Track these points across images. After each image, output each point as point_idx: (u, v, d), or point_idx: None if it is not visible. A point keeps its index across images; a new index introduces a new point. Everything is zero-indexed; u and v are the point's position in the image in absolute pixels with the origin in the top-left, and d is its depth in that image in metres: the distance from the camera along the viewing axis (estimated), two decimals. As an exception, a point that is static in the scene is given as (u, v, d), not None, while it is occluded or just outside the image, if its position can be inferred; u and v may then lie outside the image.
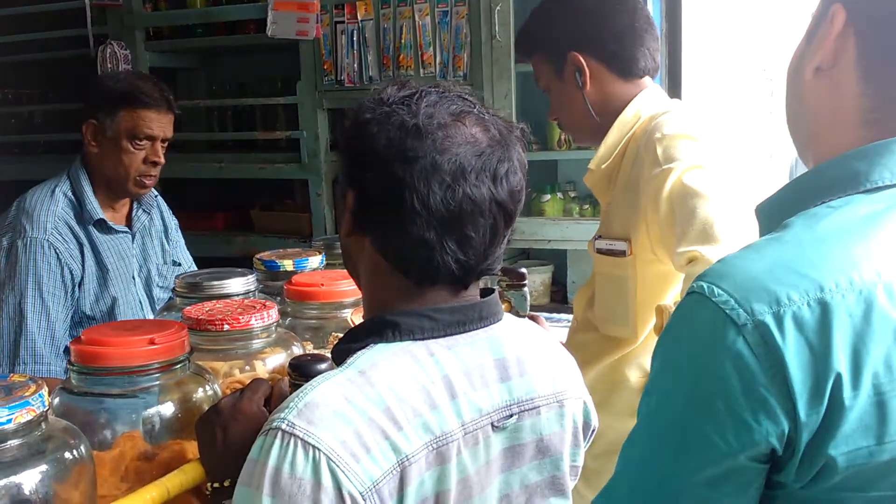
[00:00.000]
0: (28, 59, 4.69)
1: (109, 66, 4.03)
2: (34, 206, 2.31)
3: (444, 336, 1.14)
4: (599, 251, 1.93)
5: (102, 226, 2.39)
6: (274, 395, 1.26)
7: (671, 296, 1.86)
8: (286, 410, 1.03)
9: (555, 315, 3.22)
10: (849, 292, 0.82)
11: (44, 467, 1.14)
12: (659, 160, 1.75)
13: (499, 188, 1.12)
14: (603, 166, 1.93)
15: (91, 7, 4.10)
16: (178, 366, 1.39)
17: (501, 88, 3.42)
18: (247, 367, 1.58)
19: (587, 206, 3.54)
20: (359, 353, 1.11)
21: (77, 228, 2.35)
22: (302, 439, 1.00)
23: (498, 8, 3.38)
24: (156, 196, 2.61)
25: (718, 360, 0.83)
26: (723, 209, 1.63)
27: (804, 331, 0.81)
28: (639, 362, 1.92)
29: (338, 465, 0.99)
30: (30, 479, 1.12)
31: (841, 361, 0.80)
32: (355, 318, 1.66)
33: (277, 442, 1.01)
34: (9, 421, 1.08)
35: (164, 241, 2.63)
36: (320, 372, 1.15)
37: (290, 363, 1.29)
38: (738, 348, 0.82)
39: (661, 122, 1.82)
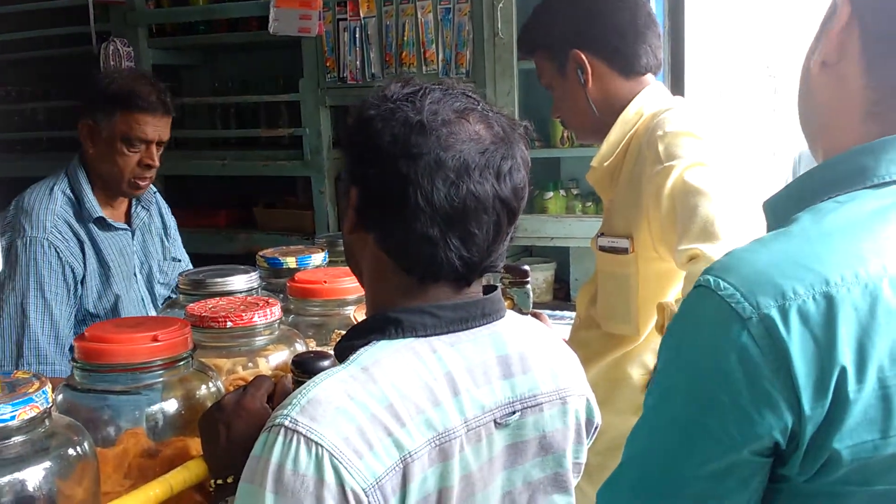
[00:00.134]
0: (31, 56, 4.69)
1: (112, 63, 4.03)
2: (33, 205, 2.29)
3: (447, 333, 1.14)
4: (602, 248, 1.93)
5: (102, 223, 2.38)
6: (277, 391, 1.26)
7: (673, 293, 1.86)
8: (289, 407, 1.04)
9: (557, 312, 3.22)
10: (854, 286, 0.82)
11: (47, 464, 1.14)
12: (661, 157, 1.75)
13: (502, 185, 1.12)
14: (605, 164, 1.93)
15: (94, 4, 4.10)
16: (182, 363, 1.39)
17: (504, 86, 3.42)
18: (250, 364, 1.58)
19: (590, 204, 3.53)
20: (362, 349, 1.12)
21: (77, 226, 2.33)
22: (305, 436, 1.00)
23: (500, 5, 3.37)
24: (154, 192, 2.59)
25: (723, 354, 0.84)
26: (724, 207, 1.63)
27: (809, 324, 0.81)
28: (641, 359, 1.92)
29: (341, 462, 0.99)
30: (33, 476, 1.13)
31: (846, 355, 0.81)
32: (358, 315, 1.66)
33: (280, 438, 1.01)
34: (12, 417, 1.08)
35: (164, 237, 2.62)
36: (323, 369, 1.15)
37: (293, 360, 1.29)
38: (743, 342, 0.82)
39: (663, 119, 1.82)
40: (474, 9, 3.45)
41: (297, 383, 1.21)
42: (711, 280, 0.86)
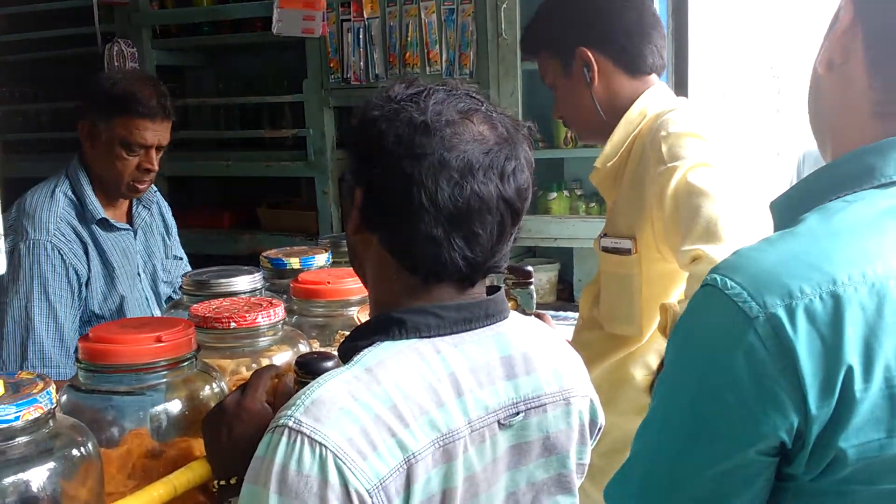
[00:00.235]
0: (35, 57, 4.70)
1: (116, 64, 4.04)
2: (35, 208, 2.28)
3: (451, 334, 1.14)
4: (605, 249, 1.92)
5: (105, 224, 2.37)
6: (279, 392, 1.26)
7: (676, 294, 1.86)
8: (293, 408, 1.04)
9: (561, 313, 3.22)
10: (861, 285, 0.82)
11: (51, 464, 1.14)
12: (664, 158, 1.74)
13: (506, 186, 1.12)
14: (609, 164, 1.93)
15: (98, 5, 4.11)
16: (185, 363, 1.39)
17: (507, 86, 3.42)
18: (253, 365, 1.58)
19: (593, 204, 3.53)
20: (365, 350, 1.12)
21: (80, 228, 2.32)
22: (309, 437, 1.00)
23: (504, 6, 3.37)
24: (155, 191, 2.58)
25: (730, 353, 0.84)
26: (727, 208, 1.63)
27: (816, 323, 0.81)
28: (644, 360, 1.92)
29: (344, 463, 0.99)
30: (37, 477, 1.13)
31: (852, 354, 0.81)
32: (361, 315, 1.66)
33: (284, 439, 1.01)
34: (17, 418, 1.08)
35: (166, 235, 2.62)
36: (327, 369, 1.16)
37: (296, 361, 1.29)
38: (750, 341, 0.82)
39: (666, 120, 1.82)
40: (478, 9, 3.45)
41: (301, 384, 1.21)
42: (718, 279, 0.86)
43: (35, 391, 1.11)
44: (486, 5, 3.42)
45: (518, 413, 1.16)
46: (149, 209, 2.55)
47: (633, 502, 0.95)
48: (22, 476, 1.11)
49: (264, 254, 2.17)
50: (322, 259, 2.14)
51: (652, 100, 1.92)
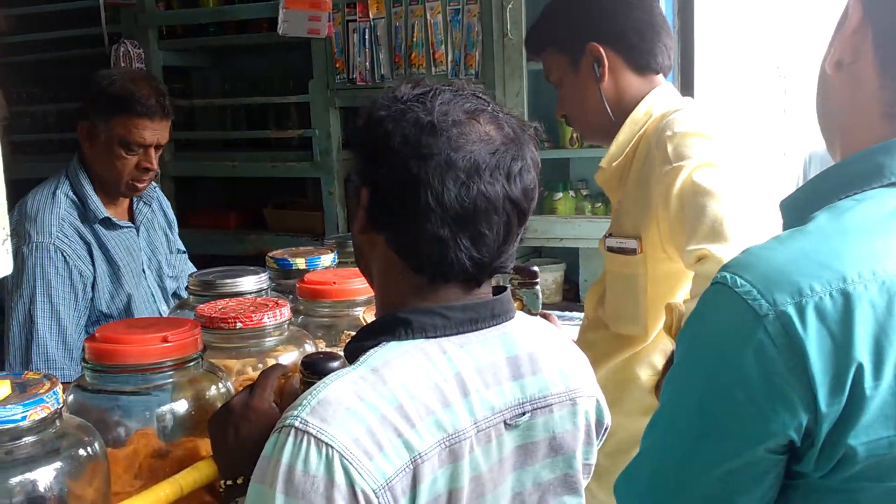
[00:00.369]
0: (42, 58, 4.70)
1: (123, 64, 4.04)
2: (36, 210, 2.27)
3: (457, 334, 1.14)
4: (610, 249, 1.92)
5: (108, 223, 2.37)
6: (285, 392, 1.26)
7: (682, 294, 1.85)
8: (299, 408, 1.04)
9: (567, 313, 3.22)
10: (871, 283, 0.82)
11: (58, 464, 1.14)
12: (669, 158, 1.74)
13: (513, 186, 1.12)
14: (614, 164, 1.92)
15: (105, 6, 4.12)
16: (192, 363, 1.40)
17: (513, 87, 3.42)
18: (259, 365, 1.58)
19: (599, 205, 3.53)
20: (371, 350, 1.12)
21: (83, 229, 2.31)
22: (315, 437, 1.00)
23: (510, 6, 3.37)
24: (155, 188, 2.58)
25: (739, 351, 0.84)
26: (733, 207, 1.63)
27: (826, 321, 0.81)
28: (649, 360, 1.92)
29: (351, 463, 0.99)
30: (44, 476, 1.13)
31: (863, 351, 0.81)
32: (367, 316, 1.66)
33: (291, 439, 1.01)
34: (24, 418, 1.08)
35: (168, 231, 2.62)
36: (333, 370, 1.15)
37: (302, 361, 1.29)
38: (760, 339, 0.82)
39: (672, 119, 1.82)
40: (483, 10, 3.45)
41: (307, 384, 1.20)
42: (728, 277, 0.86)
43: (42, 391, 1.12)
44: (491, 5, 3.42)
45: (524, 413, 1.16)
46: (149, 205, 2.54)
47: (641, 500, 0.95)
48: (29, 476, 1.11)
49: (270, 254, 2.17)
50: (328, 259, 2.14)
51: (658, 100, 1.92)
